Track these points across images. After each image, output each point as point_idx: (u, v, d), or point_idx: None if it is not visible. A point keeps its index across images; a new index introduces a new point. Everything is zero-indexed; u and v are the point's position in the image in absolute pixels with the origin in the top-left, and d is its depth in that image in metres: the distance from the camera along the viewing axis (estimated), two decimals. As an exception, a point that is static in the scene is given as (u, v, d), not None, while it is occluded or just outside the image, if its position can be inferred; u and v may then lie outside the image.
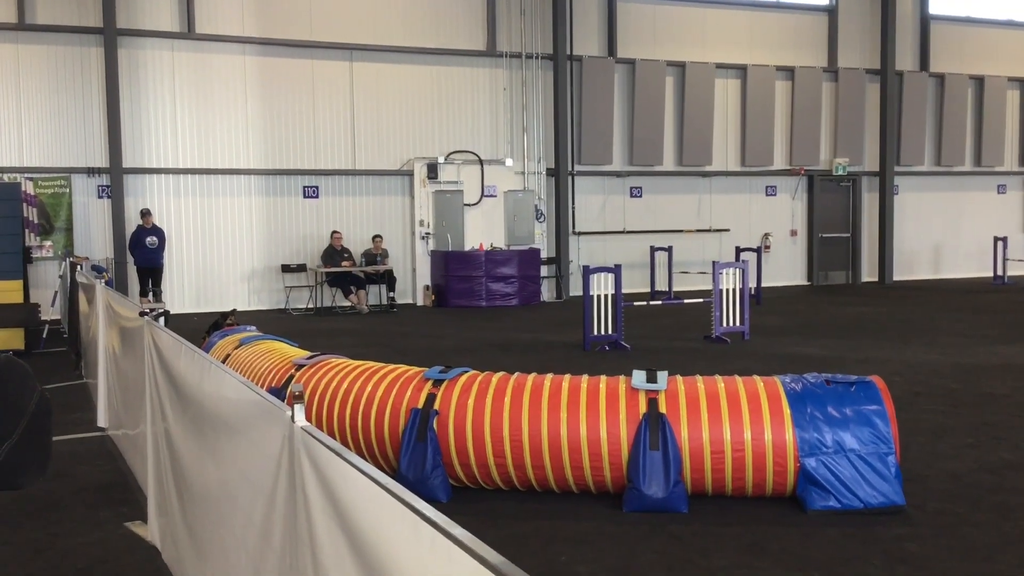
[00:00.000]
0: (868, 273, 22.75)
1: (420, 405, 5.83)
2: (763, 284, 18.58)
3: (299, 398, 2.40)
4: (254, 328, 8.88)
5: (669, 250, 19.33)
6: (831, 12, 21.99)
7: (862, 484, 5.25)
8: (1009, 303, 17.30)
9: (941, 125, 23.09)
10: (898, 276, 22.67)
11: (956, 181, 23.48)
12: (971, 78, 23.28)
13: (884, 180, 22.40)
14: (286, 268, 17.79)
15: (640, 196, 20.67)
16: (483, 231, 18.93)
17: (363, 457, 6.07)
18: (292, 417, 2.39)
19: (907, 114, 22.55)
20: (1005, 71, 23.59)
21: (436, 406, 5.80)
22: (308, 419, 2.40)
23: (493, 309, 17.54)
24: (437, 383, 5.95)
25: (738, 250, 18.81)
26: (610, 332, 12.05)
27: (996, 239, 21.66)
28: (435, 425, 5.75)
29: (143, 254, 16.38)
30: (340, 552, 2.05)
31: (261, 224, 17.92)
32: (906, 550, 4.74)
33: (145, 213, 16.51)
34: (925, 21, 22.85)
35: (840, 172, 21.96)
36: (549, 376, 5.98)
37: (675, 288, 18.92)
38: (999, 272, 21.42)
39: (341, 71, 18.31)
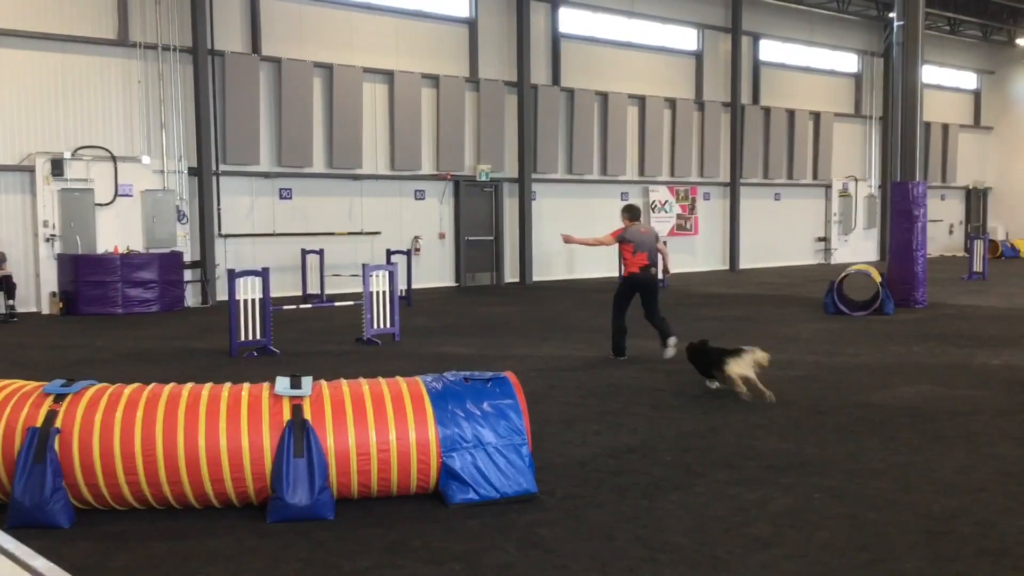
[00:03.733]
0: (511, 274, 24.01)
1: (39, 423, 5.31)
2: (413, 286, 18.97)
3: None
4: None
5: (321, 253, 19.16)
6: (471, 24, 22.95)
7: (499, 475, 5.52)
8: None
9: (572, 136, 24.91)
10: (537, 276, 24.14)
11: (586, 188, 25.44)
12: (597, 94, 25.34)
13: (523, 186, 23.76)
14: None
15: (290, 198, 20.32)
16: (118, 233, 17.65)
17: (-31, 486, 5.41)
18: None
19: (542, 125, 24.08)
20: (626, 88, 25.93)
21: (58, 423, 5.30)
22: None
23: (131, 316, 16.43)
24: (59, 398, 5.45)
25: (389, 253, 19.07)
26: (258, 337, 11.74)
27: (620, 242, 23.65)
28: (57, 444, 5.25)
29: None
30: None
31: None
32: (538, 535, 5.03)
33: None
34: (556, 39, 24.53)
35: (483, 178, 22.98)
36: (189, 385, 5.70)
37: (327, 291, 18.82)
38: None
39: (-55, 53, 16.27)
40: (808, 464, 6.41)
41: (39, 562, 1.37)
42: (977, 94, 37.20)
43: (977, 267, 23.74)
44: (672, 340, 11.21)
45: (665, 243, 12.26)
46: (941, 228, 35.01)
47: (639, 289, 11.41)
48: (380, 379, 5.92)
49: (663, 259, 12.13)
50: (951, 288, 20.70)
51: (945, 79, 35.25)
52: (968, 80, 36.70)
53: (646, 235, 11.48)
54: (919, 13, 16.99)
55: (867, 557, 4.69)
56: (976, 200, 37.40)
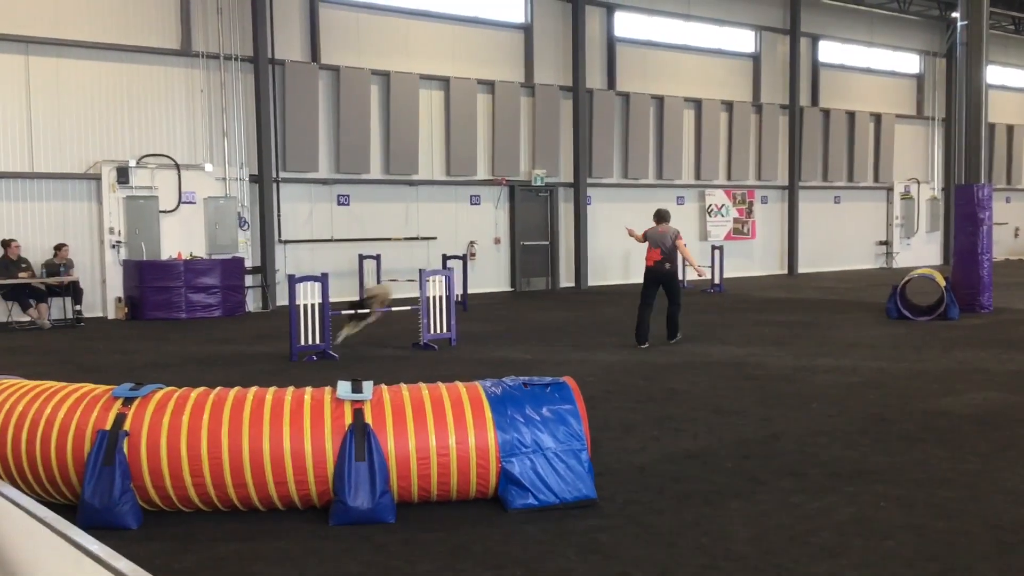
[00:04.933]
0: (566, 279, 23.97)
1: (108, 426, 5.42)
2: (469, 291, 19.07)
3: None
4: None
5: (378, 258, 19.35)
6: (527, 30, 23.00)
7: (558, 480, 5.50)
8: (689, 305, 18.82)
9: (627, 140, 24.81)
10: (592, 281, 24.07)
11: (641, 193, 25.30)
12: (652, 97, 25.21)
13: (578, 191, 23.74)
14: (-48, 281, 15.96)
15: (348, 204, 20.54)
16: (182, 239, 18.01)
17: (44, 486, 5.56)
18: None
19: (597, 129, 24.02)
20: (682, 92, 25.77)
21: (127, 426, 5.41)
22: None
23: (194, 321, 16.73)
24: (128, 401, 5.56)
25: (445, 258, 19.18)
26: (318, 342, 11.86)
27: (676, 246, 23.56)
28: (125, 447, 5.36)
29: None
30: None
31: (-80, 232, 15.97)
32: (598, 540, 5.01)
33: None
34: (612, 43, 24.48)
35: (538, 183, 23.00)
36: (252, 389, 5.77)
37: (384, 296, 18.97)
38: (680, 276, 23.31)
39: (15, 65, 16.73)
40: (873, 472, 6.30)
41: (122, 563, 1.39)
42: (1044, 94, 36.28)
43: (1045, 271, 23.14)
44: (673, 341, 12.88)
45: (686, 244, 13.56)
46: (1006, 231, 34.17)
47: (655, 282, 12.75)
48: (440, 384, 5.95)
49: (684, 257, 13.13)
50: (1018, 293, 20.19)
51: (1010, 79, 34.41)
52: (1035, 79, 35.82)
53: (662, 233, 12.75)
54: (984, 12, 16.63)
55: (937, 568, 4.59)
56: (1043, 202, 36.46)
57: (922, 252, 31.50)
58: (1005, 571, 4.53)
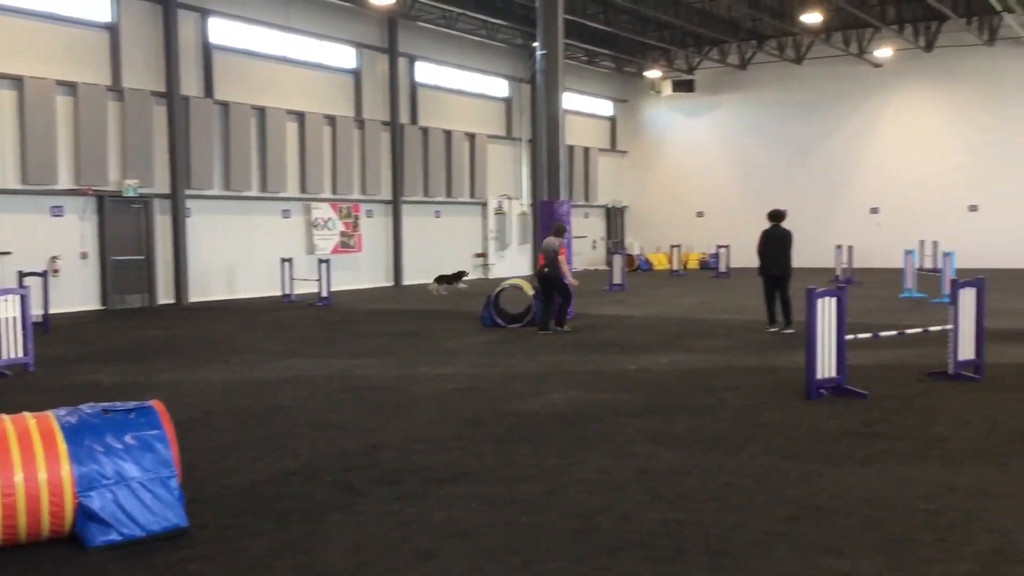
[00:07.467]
0: (165, 295, 22.68)
1: None
2: (52, 310, 17.37)
3: None
4: None
5: (-64, 277, 17.03)
6: (113, 30, 21.48)
7: (144, 512, 5.14)
8: (296, 319, 18.69)
9: (229, 152, 24.04)
10: (194, 297, 23.01)
11: (245, 205, 24.66)
12: (254, 108, 24.67)
13: (176, 202, 22.58)
14: None
15: None
16: None
17: None
18: None
19: (196, 139, 23.03)
20: (284, 104, 25.49)
21: None
22: None
23: None
24: None
25: (21, 275, 17.32)
26: None
27: (283, 260, 23.30)
28: None
29: None
30: None
31: None
32: (189, 571, 4.75)
33: None
34: (208, 49, 23.58)
35: (130, 194, 21.54)
36: None
37: (-55, 319, 16.72)
38: (287, 291, 23.07)
39: None
40: (466, 474, 6.60)
41: None
42: (613, 120, 40.65)
43: (617, 279, 25.85)
44: (543, 332, 15.23)
45: (560, 254, 15.47)
46: (585, 244, 37.76)
47: (541, 282, 15.57)
48: (3, 416, 5.32)
49: (560, 266, 15.34)
50: (595, 299, 22.35)
51: (585, 106, 38.17)
52: (605, 107, 40.01)
53: (547, 243, 15.75)
54: (558, 44, 18.24)
55: (519, 559, 4.88)
56: (615, 217, 40.81)
57: (515, 263, 33.87)
58: (579, 556, 4.93)
